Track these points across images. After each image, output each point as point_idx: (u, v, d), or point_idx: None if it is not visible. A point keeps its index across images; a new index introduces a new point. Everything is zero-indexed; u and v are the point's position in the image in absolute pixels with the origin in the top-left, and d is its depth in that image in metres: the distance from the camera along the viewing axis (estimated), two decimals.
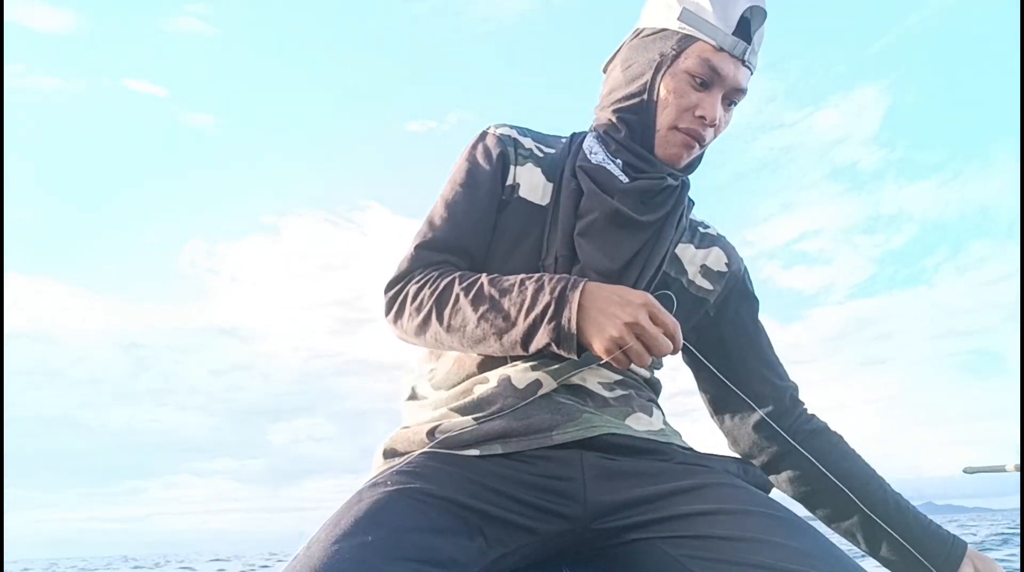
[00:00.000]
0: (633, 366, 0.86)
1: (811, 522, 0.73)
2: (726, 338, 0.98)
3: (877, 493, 0.90)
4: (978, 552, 0.87)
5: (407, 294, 0.83)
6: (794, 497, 0.96)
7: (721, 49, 0.83)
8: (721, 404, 1.01)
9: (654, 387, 0.93)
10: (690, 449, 0.86)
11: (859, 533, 0.91)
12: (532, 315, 0.75)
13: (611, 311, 0.72)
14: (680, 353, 1.00)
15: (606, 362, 0.75)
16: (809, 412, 0.99)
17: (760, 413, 0.95)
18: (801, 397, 1.00)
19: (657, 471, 0.77)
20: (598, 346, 0.73)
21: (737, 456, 0.94)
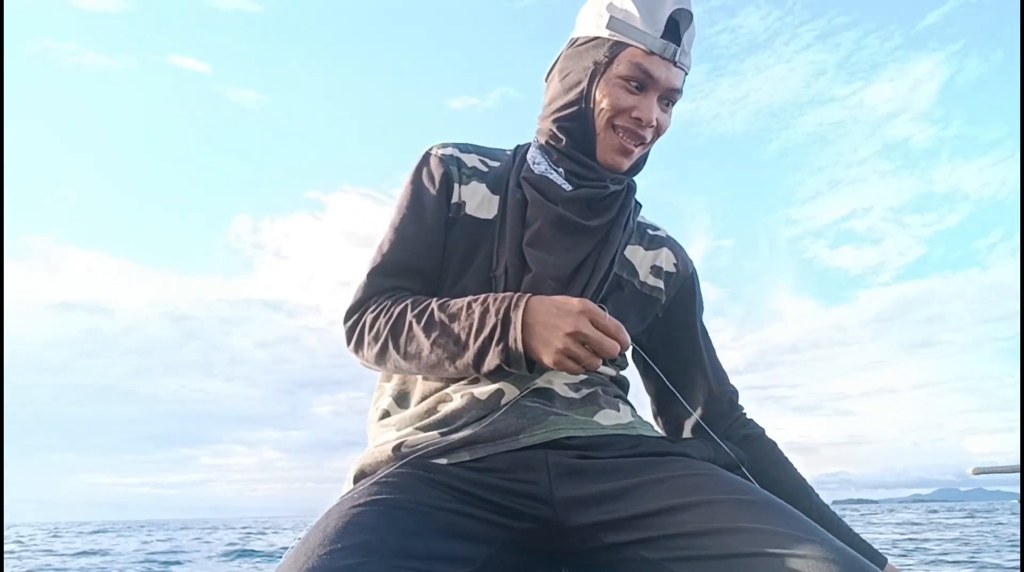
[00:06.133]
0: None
1: None
2: (671, 340, 1.00)
3: (802, 503, 0.91)
4: (897, 568, 0.86)
5: (364, 324, 0.85)
6: None
7: (652, 52, 0.85)
8: (664, 404, 1.02)
9: (621, 384, 0.94)
10: (662, 437, 0.87)
11: None
12: (481, 338, 0.77)
13: (552, 324, 0.74)
14: (629, 354, 1.01)
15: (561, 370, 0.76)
16: (747, 417, 1.00)
17: (695, 416, 0.97)
18: (741, 402, 1.01)
19: (626, 465, 0.78)
20: (546, 360, 0.74)
21: (709, 436, 0.93)
